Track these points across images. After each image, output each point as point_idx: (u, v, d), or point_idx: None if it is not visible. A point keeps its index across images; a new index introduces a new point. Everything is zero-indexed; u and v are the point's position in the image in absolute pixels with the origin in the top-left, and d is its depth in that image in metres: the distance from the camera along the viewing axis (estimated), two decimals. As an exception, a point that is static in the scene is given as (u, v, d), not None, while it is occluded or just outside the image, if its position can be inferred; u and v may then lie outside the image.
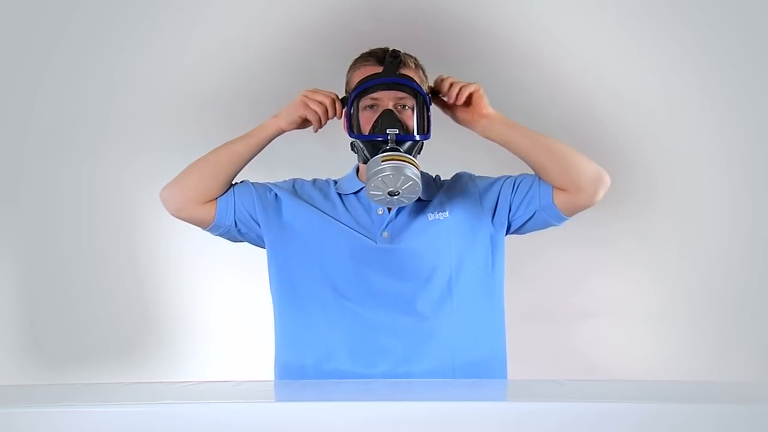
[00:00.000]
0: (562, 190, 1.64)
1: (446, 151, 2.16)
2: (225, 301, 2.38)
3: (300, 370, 1.63)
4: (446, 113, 1.71)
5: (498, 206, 1.69)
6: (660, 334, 2.38)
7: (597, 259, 2.41)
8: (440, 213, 1.67)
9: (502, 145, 1.68)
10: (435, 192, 1.73)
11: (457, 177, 1.79)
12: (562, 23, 2.37)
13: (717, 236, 2.38)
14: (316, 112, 1.65)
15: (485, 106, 1.66)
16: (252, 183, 1.76)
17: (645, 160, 2.39)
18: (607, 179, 1.64)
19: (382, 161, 1.51)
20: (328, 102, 1.65)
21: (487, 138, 1.68)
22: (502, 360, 1.67)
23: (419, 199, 1.66)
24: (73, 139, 2.35)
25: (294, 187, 1.76)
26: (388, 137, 1.55)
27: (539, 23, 2.37)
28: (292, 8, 2.35)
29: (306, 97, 1.65)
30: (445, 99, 1.67)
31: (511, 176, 1.74)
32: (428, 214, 1.67)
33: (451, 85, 1.65)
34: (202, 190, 1.68)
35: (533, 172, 1.71)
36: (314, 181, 1.80)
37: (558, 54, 2.38)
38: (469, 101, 1.65)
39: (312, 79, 2.35)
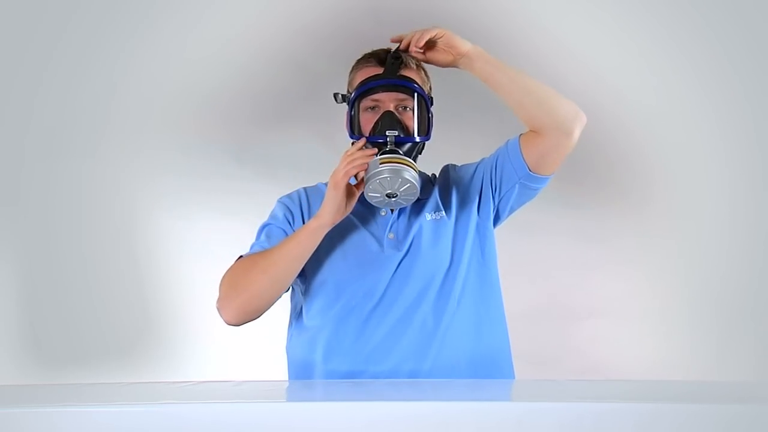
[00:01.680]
0: (538, 133, 1.61)
1: (444, 151, 2.16)
2: (225, 301, 2.38)
3: (308, 367, 1.64)
4: (430, 63, 1.67)
5: (482, 195, 1.69)
6: (660, 334, 2.38)
7: (597, 258, 2.41)
8: (437, 213, 1.67)
9: (482, 80, 1.64)
10: (431, 190, 1.73)
11: (443, 172, 1.80)
12: (561, 23, 2.37)
13: (716, 235, 2.38)
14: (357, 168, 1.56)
15: (460, 44, 1.63)
16: (278, 225, 1.70)
17: (644, 159, 2.39)
18: (584, 117, 1.61)
19: (380, 164, 1.51)
20: (360, 156, 1.55)
21: (470, 72, 1.65)
22: (507, 352, 1.67)
23: (417, 198, 1.66)
24: (73, 139, 2.35)
25: (307, 201, 1.74)
26: (387, 139, 1.55)
27: (539, 23, 2.37)
28: (292, 8, 2.35)
29: (342, 171, 1.55)
30: (413, 52, 1.64)
31: (485, 159, 1.72)
32: (426, 214, 1.67)
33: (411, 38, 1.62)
34: (269, 305, 1.62)
35: (504, 146, 1.69)
36: (319, 188, 1.77)
37: (558, 54, 2.38)
38: (435, 45, 1.62)
39: (312, 79, 2.37)
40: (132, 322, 2.37)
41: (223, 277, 1.64)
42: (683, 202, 2.40)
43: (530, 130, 1.64)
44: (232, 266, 1.65)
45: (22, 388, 1.45)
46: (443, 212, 1.68)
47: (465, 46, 1.62)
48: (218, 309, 1.63)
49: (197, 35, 2.36)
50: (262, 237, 1.68)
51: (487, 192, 1.69)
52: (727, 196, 2.38)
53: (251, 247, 1.68)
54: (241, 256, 1.66)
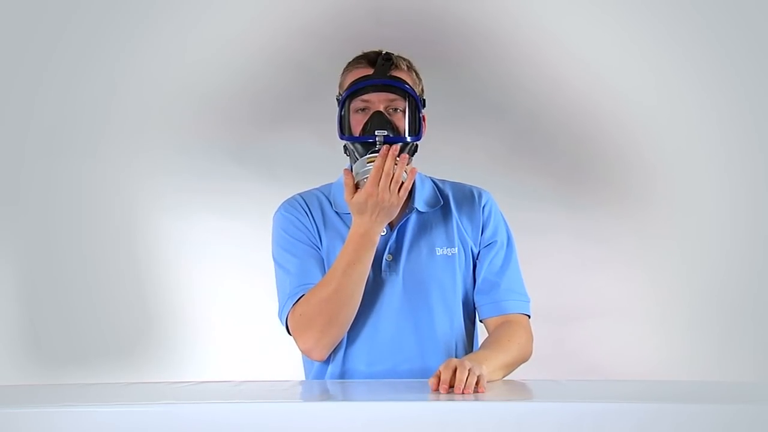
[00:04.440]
0: None
1: (444, 151, 2.16)
2: (225, 301, 2.39)
3: (321, 369, 1.65)
4: None
5: (479, 257, 1.67)
6: (660, 334, 2.38)
7: (597, 259, 2.41)
8: (449, 248, 1.63)
9: None
10: (439, 210, 1.67)
11: (476, 199, 1.70)
12: (562, 23, 2.37)
13: (717, 235, 2.38)
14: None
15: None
16: (311, 245, 1.63)
17: (644, 160, 2.39)
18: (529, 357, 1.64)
19: (368, 162, 1.50)
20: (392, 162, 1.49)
21: None
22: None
23: (419, 212, 1.65)
24: (73, 139, 2.35)
25: (307, 207, 1.69)
26: (377, 139, 1.53)
27: (540, 23, 2.37)
28: (292, 8, 2.35)
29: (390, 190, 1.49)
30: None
31: (501, 253, 1.68)
32: (436, 248, 1.63)
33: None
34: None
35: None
36: (313, 194, 1.73)
37: (558, 54, 2.38)
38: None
39: (312, 80, 2.37)
40: (132, 322, 2.37)
41: (298, 325, 1.56)
42: (683, 202, 2.40)
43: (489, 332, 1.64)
44: (298, 312, 1.56)
45: (22, 388, 1.45)
46: (455, 250, 1.64)
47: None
48: (306, 352, 1.59)
49: (197, 35, 2.36)
50: (294, 271, 1.60)
51: (476, 263, 1.68)
52: (727, 196, 2.38)
53: (292, 286, 1.59)
54: (296, 301, 1.57)
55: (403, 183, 1.50)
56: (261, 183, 2.34)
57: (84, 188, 2.36)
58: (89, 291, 2.36)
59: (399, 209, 1.53)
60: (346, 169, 1.55)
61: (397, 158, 1.49)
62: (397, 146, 1.50)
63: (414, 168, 1.54)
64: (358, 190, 1.51)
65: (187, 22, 2.35)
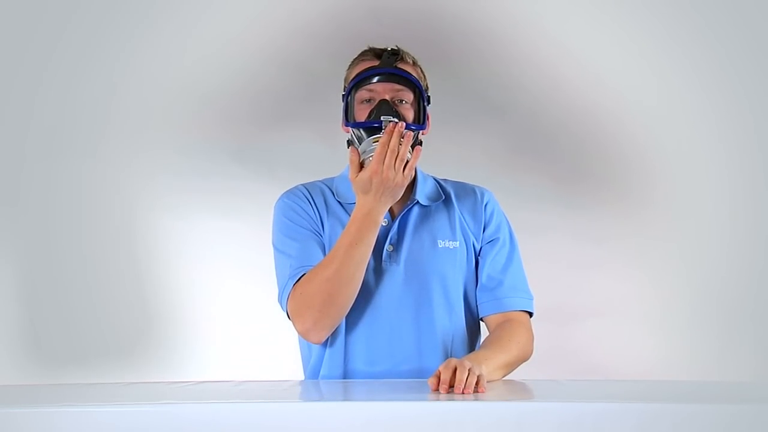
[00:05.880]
0: None
1: (444, 151, 2.16)
2: (225, 301, 2.39)
3: (314, 370, 1.66)
4: None
5: (480, 254, 1.68)
6: (660, 335, 2.38)
7: (597, 259, 2.41)
8: (451, 242, 1.64)
9: None
10: (441, 204, 1.68)
11: (478, 197, 1.72)
12: (562, 23, 2.38)
13: (717, 236, 2.38)
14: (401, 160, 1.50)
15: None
16: (312, 230, 1.64)
17: (644, 160, 2.39)
18: (530, 356, 1.63)
19: (373, 142, 1.51)
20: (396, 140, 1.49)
21: None
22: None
23: (421, 205, 1.65)
24: (73, 139, 2.35)
25: (311, 197, 1.69)
26: (383, 123, 1.53)
27: (540, 23, 2.38)
28: (292, 8, 2.36)
29: (395, 168, 1.48)
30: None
31: (504, 251, 1.68)
32: (438, 240, 1.64)
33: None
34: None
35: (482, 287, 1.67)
36: (317, 186, 1.74)
37: (558, 54, 2.39)
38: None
39: (312, 79, 2.37)
40: (132, 322, 2.37)
41: (297, 305, 1.55)
42: (683, 202, 2.40)
43: (491, 330, 1.64)
44: (299, 291, 1.54)
45: (22, 388, 1.45)
46: (457, 244, 1.64)
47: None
48: (304, 333, 1.57)
49: (197, 35, 2.36)
50: (295, 254, 1.59)
51: (478, 259, 1.69)
52: (727, 197, 2.38)
53: (293, 268, 1.58)
54: (297, 281, 1.56)
55: (408, 162, 1.50)
56: (261, 183, 2.34)
57: (84, 188, 2.36)
58: (89, 291, 2.36)
59: (403, 190, 1.52)
60: (352, 147, 1.54)
61: (402, 137, 1.49)
62: (403, 124, 1.50)
63: (419, 147, 1.54)
64: (363, 168, 1.51)
65: (187, 22, 2.35)
